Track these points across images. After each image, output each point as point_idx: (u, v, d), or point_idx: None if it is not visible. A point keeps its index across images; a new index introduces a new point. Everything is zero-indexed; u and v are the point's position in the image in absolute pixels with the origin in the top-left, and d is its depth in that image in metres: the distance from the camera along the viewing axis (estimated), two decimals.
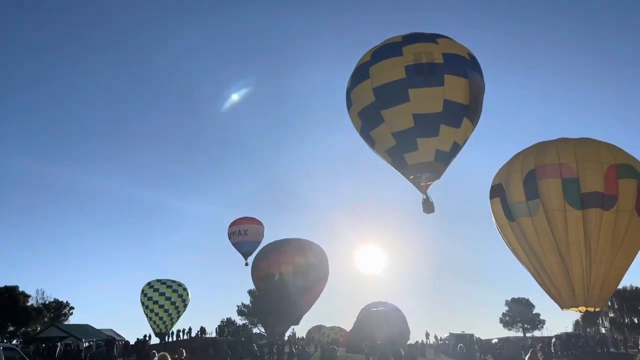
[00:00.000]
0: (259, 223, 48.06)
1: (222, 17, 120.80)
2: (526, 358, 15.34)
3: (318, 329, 56.78)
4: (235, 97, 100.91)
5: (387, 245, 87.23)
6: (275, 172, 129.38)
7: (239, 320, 59.89)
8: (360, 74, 22.26)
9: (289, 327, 47.50)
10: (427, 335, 50.04)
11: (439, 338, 47.50)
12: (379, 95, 21.21)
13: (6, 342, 44.79)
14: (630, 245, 22.25)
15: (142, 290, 42.92)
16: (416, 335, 46.91)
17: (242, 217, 48.36)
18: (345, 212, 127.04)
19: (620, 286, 32.65)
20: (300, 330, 54.01)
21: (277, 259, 44.07)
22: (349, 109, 23.46)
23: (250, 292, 52.35)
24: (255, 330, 55.05)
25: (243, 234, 46.57)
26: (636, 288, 50.04)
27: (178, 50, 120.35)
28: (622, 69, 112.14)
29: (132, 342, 40.44)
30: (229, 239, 47.35)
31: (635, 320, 47.77)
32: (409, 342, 34.29)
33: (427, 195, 22.22)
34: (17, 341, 49.12)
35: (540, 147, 23.42)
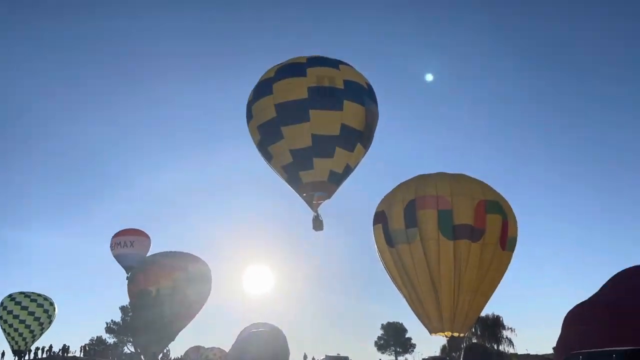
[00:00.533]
0: (146, 236, 45.57)
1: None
2: None
3: (196, 349, 54.42)
4: None
5: (275, 263, 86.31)
6: (160, 187, 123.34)
7: (109, 339, 55.04)
8: (263, 88, 22.66)
9: (164, 347, 45.07)
10: (305, 357, 50.41)
11: None
12: (281, 111, 21.73)
13: None
14: (494, 276, 24.26)
15: (2, 303, 39.38)
16: (295, 357, 47.08)
17: (128, 228, 45.64)
18: (233, 229, 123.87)
19: (482, 314, 35.59)
20: (178, 350, 51.30)
21: (156, 272, 42.09)
22: (248, 121, 23.59)
23: (122, 308, 48.58)
24: (126, 349, 51.02)
25: (129, 246, 43.95)
26: (497, 316, 55.08)
27: None
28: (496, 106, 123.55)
29: None
30: (112, 250, 44.39)
31: (495, 347, 52.27)
32: None
33: (317, 213, 22.86)
34: None
35: (421, 179, 25.02)
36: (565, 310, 14.63)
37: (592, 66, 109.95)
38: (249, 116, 23.49)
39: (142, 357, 42.45)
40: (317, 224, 22.78)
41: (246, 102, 23.85)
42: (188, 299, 41.45)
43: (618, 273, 14.99)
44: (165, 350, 47.16)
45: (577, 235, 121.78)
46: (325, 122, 21.47)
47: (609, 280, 15.06)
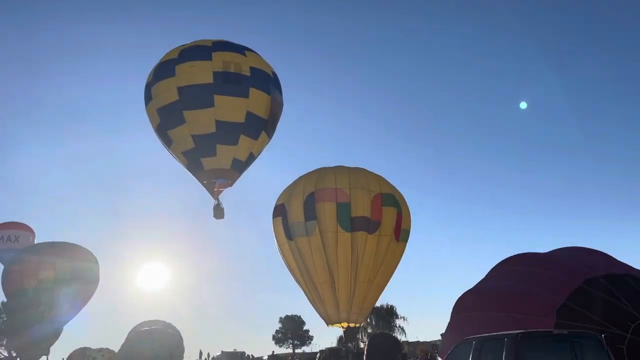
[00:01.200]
0: (31, 230, 41.87)
1: None
2: None
3: (81, 352, 50.01)
4: None
5: (171, 256, 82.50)
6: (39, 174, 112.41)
7: None
8: (164, 70, 21.79)
9: (45, 350, 41.37)
10: (201, 354, 49.22)
11: (211, 357, 47.21)
12: (184, 95, 21.03)
13: None
14: (389, 267, 25.32)
15: None
16: (190, 354, 45.69)
17: (8, 221, 41.44)
18: (125, 219, 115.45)
19: (377, 304, 37.30)
20: (59, 354, 46.97)
21: (35, 263, 38.13)
22: (147, 103, 22.51)
23: None
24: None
25: (13, 241, 40.45)
26: (390, 306, 58.18)
27: None
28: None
29: None
30: None
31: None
32: None
33: (218, 201, 22.47)
34: None
35: (321, 172, 25.39)
36: (454, 299, 15.09)
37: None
38: (148, 97, 22.40)
39: None
40: (218, 211, 22.40)
41: (145, 83, 22.71)
42: (72, 294, 38.27)
43: (502, 260, 15.79)
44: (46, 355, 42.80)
45: (465, 226, 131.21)
46: (230, 108, 21.13)
47: (493, 268, 15.82)
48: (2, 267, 39.26)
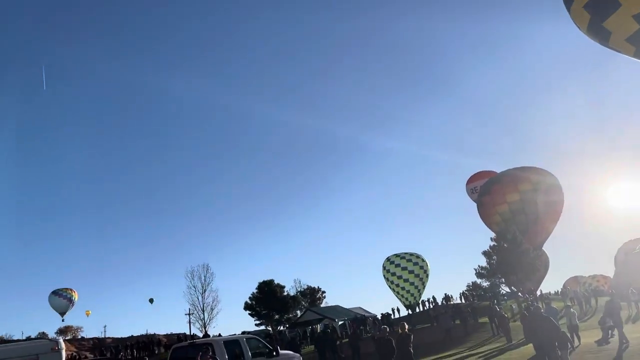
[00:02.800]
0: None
1: None
2: None
3: (574, 280, 49.87)
4: None
5: None
6: None
7: (483, 283, 52.74)
8: None
9: (542, 278, 42.10)
10: None
11: None
12: None
13: (267, 328, 53.26)
14: None
15: (383, 266, 42.12)
16: None
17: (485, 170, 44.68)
18: None
19: None
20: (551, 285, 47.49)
21: (509, 182, 38.97)
22: (569, 7, 20.46)
23: (485, 253, 44.53)
24: (501, 290, 49.34)
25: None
26: None
27: None
28: None
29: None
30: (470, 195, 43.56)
31: None
32: None
33: None
34: (283, 327, 54.58)
35: None
36: None
37: None
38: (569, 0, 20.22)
39: (519, 294, 40.60)
40: None
41: None
42: (550, 199, 38.49)
43: None
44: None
45: None
46: None
47: None
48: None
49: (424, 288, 41.00)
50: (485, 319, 30.99)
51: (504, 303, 42.76)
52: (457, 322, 33.04)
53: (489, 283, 48.91)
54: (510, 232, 37.33)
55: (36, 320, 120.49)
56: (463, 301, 48.44)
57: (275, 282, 57.10)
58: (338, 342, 27.24)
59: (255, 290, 56.69)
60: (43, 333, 55.41)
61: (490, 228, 40.51)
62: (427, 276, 40.68)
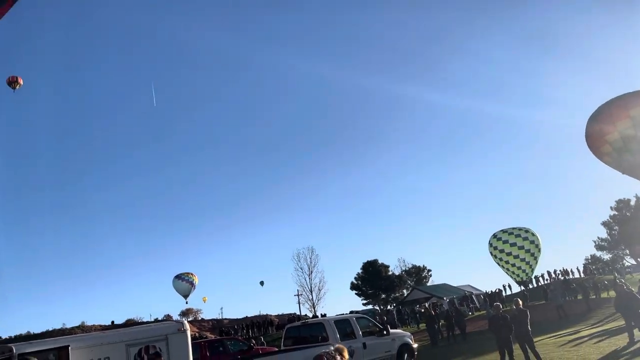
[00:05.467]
0: None
1: None
2: None
3: None
4: None
5: None
6: None
7: (604, 255, 50.40)
8: None
9: None
10: None
11: None
12: None
13: (375, 307, 52.33)
14: None
15: (490, 243, 41.89)
16: None
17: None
18: None
19: None
20: None
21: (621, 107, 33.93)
22: None
23: (605, 223, 43.77)
24: (625, 262, 45.66)
25: None
26: None
27: None
28: None
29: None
30: None
31: None
32: None
33: None
34: (391, 306, 54.49)
35: None
36: None
37: None
38: None
39: None
40: None
41: None
42: None
43: None
44: None
45: None
46: None
47: None
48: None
49: (536, 263, 39.59)
50: (606, 294, 29.24)
51: (629, 277, 39.68)
52: (575, 297, 31.10)
53: (610, 255, 46.68)
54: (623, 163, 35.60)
55: (162, 304, 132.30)
56: (582, 275, 45.83)
57: (379, 262, 57.50)
58: (440, 322, 26.99)
59: (360, 271, 57.81)
60: (168, 315, 61.51)
61: (601, 160, 38.66)
62: (538, 250, 39.39)
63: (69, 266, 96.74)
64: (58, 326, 59.50)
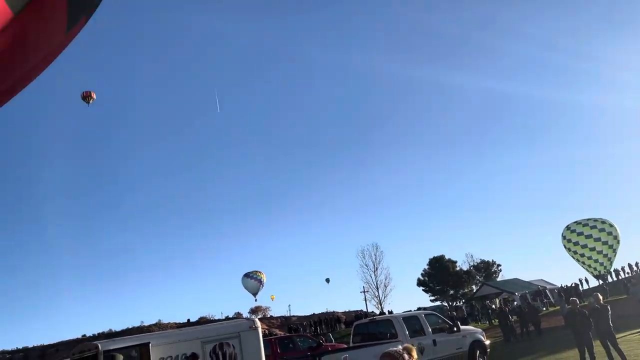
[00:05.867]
0: None
1: None
2: None
3: None
4: None
5: None
6: None
7: None
8: None
9: None
10: None
11: None
12: None
13: (443, 304, 51.71)
14: None
15: (563, 236, 40.16)
16: None
17: None
18: None
19: None
20: None
21: None
22: None
23: None
24: None
25: None
26: None
27: None
28: None
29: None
30: None
31: None
32: None
33: None
34: (460, 302, 53.75)
35: None
36: None
37: None
38: None
39: None
40: None
41: None
42: None
43: None
44: None
45: None
46: None
47: None
48: None
49: (615, 255, 37.60)
50: None
51: None
52: None
53: None
54: None
55: (232, 302, 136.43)
56: None
57: (446, 257, 56.65)
58: (513, 318, 26.10)
59: (426, 267, 57.06)
60: (238, 313, 63.37)
61: None
62: (617, 242, 37.34)
63: (145, 267, 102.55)
64: (137, 324, 63.05)
